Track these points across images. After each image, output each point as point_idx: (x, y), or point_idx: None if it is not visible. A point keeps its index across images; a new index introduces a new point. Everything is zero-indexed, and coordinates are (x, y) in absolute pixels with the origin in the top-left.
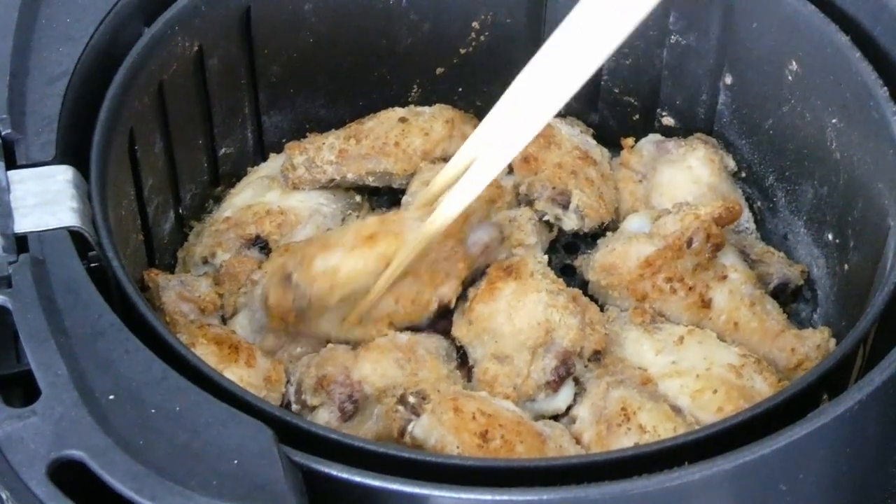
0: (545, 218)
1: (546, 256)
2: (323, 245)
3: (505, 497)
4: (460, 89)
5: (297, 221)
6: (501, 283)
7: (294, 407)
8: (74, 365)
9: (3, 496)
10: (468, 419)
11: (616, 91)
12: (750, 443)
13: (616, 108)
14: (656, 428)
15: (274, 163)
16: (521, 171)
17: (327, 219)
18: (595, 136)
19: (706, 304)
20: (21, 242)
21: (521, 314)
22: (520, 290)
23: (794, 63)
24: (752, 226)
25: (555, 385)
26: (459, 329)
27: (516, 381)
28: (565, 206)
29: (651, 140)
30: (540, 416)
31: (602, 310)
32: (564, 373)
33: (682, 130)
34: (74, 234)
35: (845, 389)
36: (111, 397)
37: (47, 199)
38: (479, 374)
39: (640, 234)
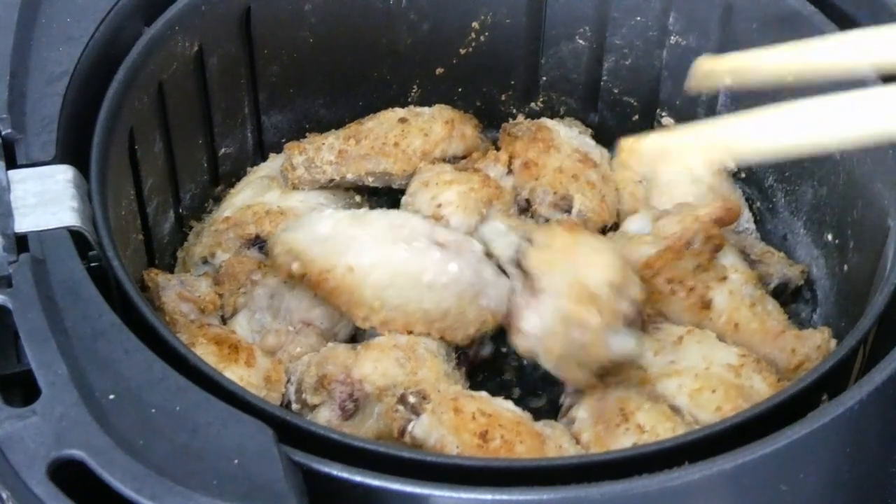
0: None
1: None
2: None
3: (505, 497)
4: (460, 89)
5: None
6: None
7: (294, 406)
8: (74, 365)
9: (3, 496)
10: (468, 419)
11: (616, 91)
12: (750, 443)
13: (616, 109)
14: (655, 428)
15: (273, 163)
16: (522, 177)
17: None
18: (594, 137)
19: (706, 304)
20: (21, 242)
21: (605, 254)
22: (597, 237)
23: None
24: (752, 226)
25: (634, 322)
26: (533, 257)
27: (601, 304)
28: (568, 211)
29: None
30: (614, 358)
31: None
32: (639, 316)
33: None
34: (74, 234)
35: (845, 389)
36: (111, 397)
37: (47, 198)
38: (563, 290)
39: (641, 235)
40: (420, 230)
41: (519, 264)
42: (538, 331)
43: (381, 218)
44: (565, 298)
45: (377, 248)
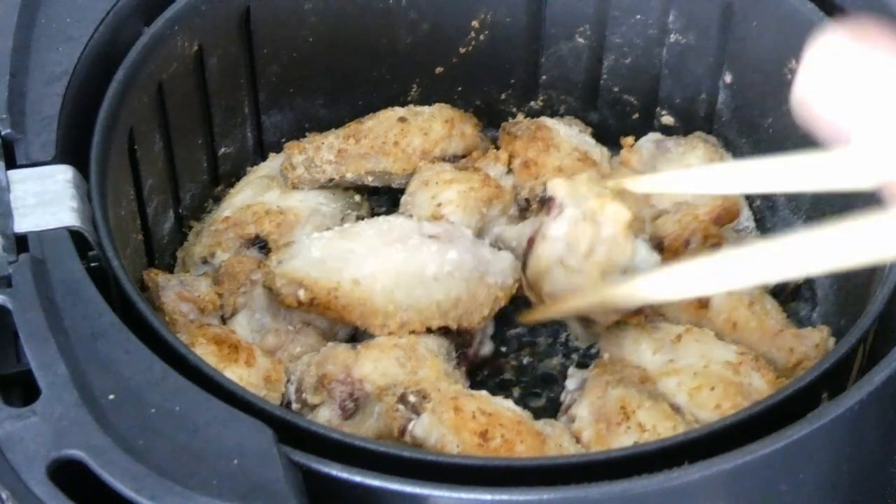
0: None
1: None
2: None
3: (505, 497)
4: (460, 88)
5: (297, 221)
6: None
7: (294, 405)
8: (74, 365)
9: (3, 496)
10: (468, 418)
11: (616, 90)
12: (750, 442)
13: (616, 107)
14: (655, 426)
15: (273, 162)
16: (521, 176)
17: (327, 218)
18: (594, 135)
19: (704, 303)
20: (21, 242)
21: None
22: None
23: (793, 61)
24: (752, 224)
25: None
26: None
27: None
28: None
29: (651, 139)
30: (635, 266)
31: None
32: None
33: (682, 129)
34: (74, 234)
35: (845, 388)
36: (111, 397)
37: (47, 198)
38: (590, 195)
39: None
40: (408, 228)
41: (541, 198)
42: (566, 229)
43: (368, 227)
44: (594, 200)
45: (374, 255)
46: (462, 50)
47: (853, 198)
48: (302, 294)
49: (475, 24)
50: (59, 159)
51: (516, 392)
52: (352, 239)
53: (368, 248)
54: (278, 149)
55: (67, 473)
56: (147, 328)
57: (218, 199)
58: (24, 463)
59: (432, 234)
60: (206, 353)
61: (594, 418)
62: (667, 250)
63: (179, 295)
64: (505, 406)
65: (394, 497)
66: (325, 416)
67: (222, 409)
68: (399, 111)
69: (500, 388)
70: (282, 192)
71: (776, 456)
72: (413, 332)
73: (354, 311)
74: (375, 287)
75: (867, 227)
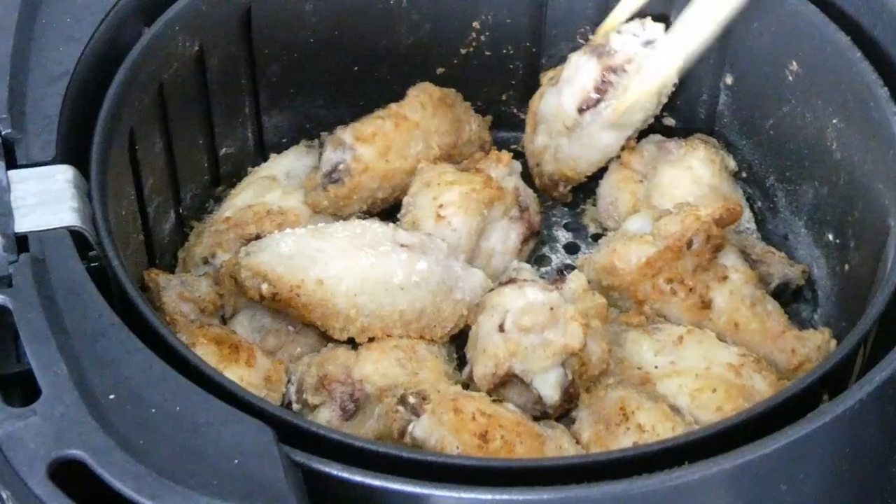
0: None
1: None
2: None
3: (505, 497)
4: (461, 90)
5: (298, 221)
6: None
7: (295, 406)
8: (74, 365)
9: (4, 496)
10: (468, 419)
11: None
12: (750, 443)
13: None
14: (655, 427)
15: (274, 163)
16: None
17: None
18: None
19: (706, 305)
20: (21, 242)
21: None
22: None
23: (794, 63)
24: (753, 226)
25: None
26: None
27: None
28: None
29: (652, 140)
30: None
31: None
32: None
33: (683, 131)
34: (75, 234)
35: (845, 389)
36: (111, 397)
37: (47, 198)
38: None
39: (641, 234)
40: (382, 234)
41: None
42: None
43: (342, 228)
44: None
45: (343, 257)
46: (463, 51)
47: (853, 198)
48: (265, 288)
49: (476, 25)
50: (59, 159)
51: None
52: (322, 238)
53: (338, 249)
54: (279, 149)
55: (67, 473)
56: (147, 328)
57: (219, 200)
58: (24, 463)
59: (406, 243)
60: (206, 354)
61: (594, 419)
62: (669, 250)
63: (180, 295)
64: (504, 407)
65: (394, 497)
66: (326, 417)
67: (222, 409)
68: None
69: None
70: (283, 193)
71: (776, 456)
72: (373, 338)
73: (315, 312)
74: (339, 289)
75: None
